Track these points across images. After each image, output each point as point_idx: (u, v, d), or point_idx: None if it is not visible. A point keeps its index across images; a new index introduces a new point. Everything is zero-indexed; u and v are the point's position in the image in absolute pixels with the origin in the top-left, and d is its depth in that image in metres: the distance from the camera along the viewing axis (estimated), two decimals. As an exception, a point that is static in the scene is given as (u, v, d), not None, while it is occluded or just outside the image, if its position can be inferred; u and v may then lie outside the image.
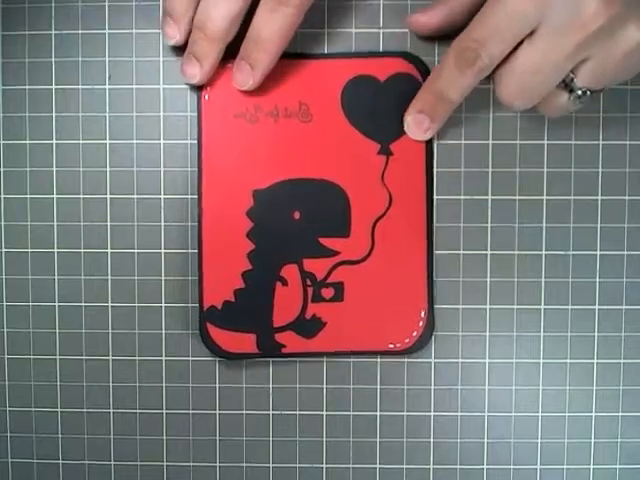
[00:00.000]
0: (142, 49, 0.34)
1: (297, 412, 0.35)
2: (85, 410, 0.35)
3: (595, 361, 0.35)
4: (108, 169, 0.34)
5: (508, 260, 0.34)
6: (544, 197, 0.34)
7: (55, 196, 0.35)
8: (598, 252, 0.34)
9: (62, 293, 0.35)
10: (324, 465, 0.35)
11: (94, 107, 0.34)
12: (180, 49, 0.33)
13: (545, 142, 0.34)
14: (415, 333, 0.34)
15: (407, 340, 0.34)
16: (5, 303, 0.35)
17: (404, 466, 0.35)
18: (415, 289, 0.34)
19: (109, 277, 0.35)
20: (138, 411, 0.35)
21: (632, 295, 0.34)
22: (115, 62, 0.34)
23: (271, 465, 0.35)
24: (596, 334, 0.34)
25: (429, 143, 0.33)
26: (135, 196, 0.34)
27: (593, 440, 0.35)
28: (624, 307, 0.34)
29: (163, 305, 0.35)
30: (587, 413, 0.35)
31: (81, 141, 0.34)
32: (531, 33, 0.27)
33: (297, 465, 0.35)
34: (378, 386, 0.35)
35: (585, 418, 0.35)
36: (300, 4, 0.30)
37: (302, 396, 0.35)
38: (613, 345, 0.34)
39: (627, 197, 0.34)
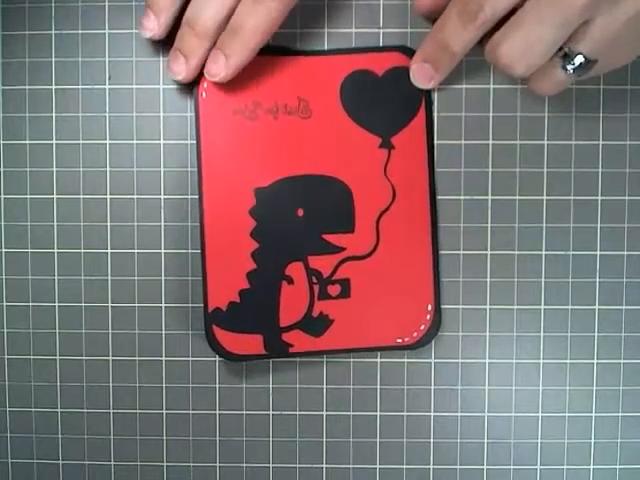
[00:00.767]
0: (142, 49, 0.34)
1: (297, 412, 0.35)
2: (85, 410, 0.35)
3: (595, 361, 0.35)
4: (108, 169, 0.34)
5: (508, 260, 0.34)
6: (544, 197, 0.34)
7: (55, 196, 0.35)
8: (598, 252, 0.34)
9: (62, 293, 0.35)
10: (324, 465, 0.35)
11: (94, 107, 0.34)
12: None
13: (545, 142, 0.34)
14: (423, 327, 0.34)
15: (415, 334, 0.34)
16: (5, 303, 0.35)
17: (404, 466, 0.35)
18: (421, 282, 0.34)
19: (109, 277, 0.35)
20: (138, 411, 0.35)
21: (632, 295, 0.34)
22: (115, 62, 0.34)
23: (271, 465, 0.35)
24: (596, 334, 0.34)
25: (430, 135, 0.33)
26: (135, 196, 0.34)
27: (593, 440, 0.35)
28: (624, 307, 0.34)
29: (163, 305, 0.35)
30: (587, 413, 0.35)
31: (81, 141, 0.34)
32: None
33: (297, 465, 0.35)
34: (378, 386, 0.35)
35: (585, 418, 0.35)
36: (285, 0, 0.29)
37: (302, 396, 0.35)
38: (613, 345, 0.34)
39: (627, 197, 0.34)
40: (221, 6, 0.30)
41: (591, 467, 0.35)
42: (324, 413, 0.35)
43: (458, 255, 0.34)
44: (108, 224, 0.35)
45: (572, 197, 0.34)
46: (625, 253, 0.34)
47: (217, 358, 0.35)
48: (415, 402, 0.35)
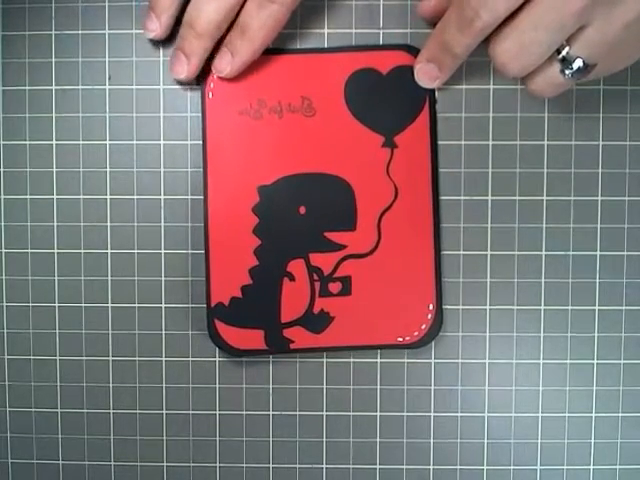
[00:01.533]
0: (142, 49, 0.34)
1: (297, 412, 0.35)
2: (85, 410, 0.35)
3: (595, 361, 0.35)
4: (108, 169, 0.35)
5: (508, 260, 0.34)
6: (544, 197, 0.34)
7: (55, 196, 0.35)
8: (598, 252, 0.34)
9: (62, 293, 0.35)
10: (324, 465, 0.35)
11: (94, 107, 0.34)
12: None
13: (545, 142, 0.34)
14: (424, 326, 0.34)
15: (416, 333, 0.34)
16: (5, 303, 0.35)
17: (404, 466, 0.35)
18: (423, 281, 0.34)
19: (109, 277, 0.35)
20: (138, 411, 0.35)
21: (632, 295, 0.34)
22: (115, 62, 0.34)
23: (271, 465, 0.35)
24: (596, 334, 0.34)
25: (434, 134, 0.33)
26: (135, 196, 0.34)
27: (593, 440, 0.35)
28: (624, 307, 0.34)
29: (163, 305, 0.35)
30: (587, 413, 0.35)
31: (81, 141, 0.34)
32: None
33: (297, 465, 0.35)
34: (378, 386, 0.35)
35: (585, 418, 0.35)
36: (287, 3, 0.30)
37: (302, 396, 0.35)
38: (613, 345, 0.34)
39: (627, 197, 0.34)
40: (221, 6, 0.30)
41: (591, 467, 0.35)
42: (324, 413, 0.35)
43: (458, 255, 0.34)
44: (108, 224, 0.35)
45: (572, 197, 0.34)
46: (625, 253, 0.34)
47: (217, 358, 0.35)
48: (415, 402, 0.35)
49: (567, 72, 0.29)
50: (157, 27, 0.32)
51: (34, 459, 0.35)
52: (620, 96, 0.34)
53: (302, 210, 0.33)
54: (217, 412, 0.35)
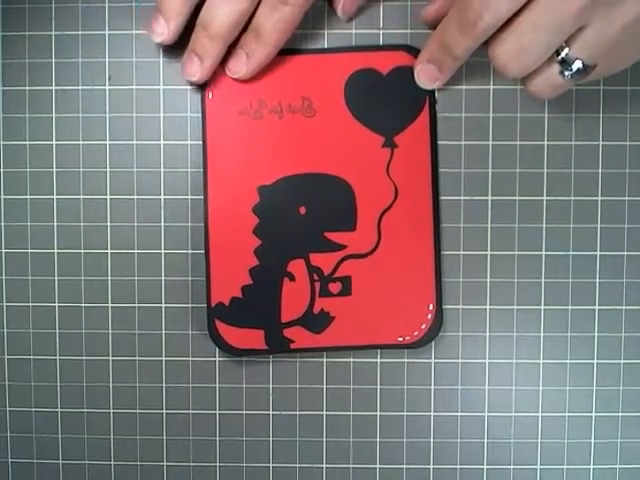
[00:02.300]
0: (142, 49, 0.34)
1: (297, 412, 0.35)
2: (85, 410, 0.35)
3: (595, 361, 0.35)
4: (108, 169, 0.35)
5: (508, 260, 0.34)
6: (544, 197, 0.34)
7: (55, 196, 0.35)
8: (598, 252, 0.34)
9: (62, 293, 0.35)
10: (324, 465, 0.35)
11: (94, 107, 0.34)
12: (184, 49, 0.33)
13: (545, 142, 0.34)
14: (424, 326, 0.34)
15: (416, 333, 0.34)
16: (5, 303, 0.35)
17: (404, 466, 0.35)
18: (423, 281, 0.34)
19: (109, 277, 0.35)
20: (138, 411, 0.35)
21: (632, 295, 0.34)
22: (115, 62, 0.34)
23: (271, 465, 0.35)
24: (596, 334, 0.34)
25: (434, 134, 0.33)
26: (135, 196, 0.34)
27: (593, 440, 0.35)
28: (624, 307, 0.34)
29: (163, 305, 0.35)
30: (587, 413, 0.35)
31: (81, 141, 0.34)
32: None
33: (297, 465, 0.35)
34: (378, 386, 0.35)
35: (585, 418, 0.35)
36: (300, 4, 0.30)
37: (302, 396, 0.35)
38: (613, 345, 0.34)
39: (627, 197, 0.34)
40: (234, 8, 0.30)
41: (591, 467, 0.35)
42: (324, 413, 0.35)
43: (458, 255, 0.34)
44: (108, 224, 0.35)
45: (572, 197, 0.34)
46: (625, 253, 0.34)
47: (217, 358, 0.35)
48: (415, 402, 0.35)
49: (566, 73, 0.29)
50: (165, 30, 0.31)
51: (34, 459, 0.36)
52: (620, 96, 0.34)
53: (302, 210, 0.33)
54: (217, 412, 0.35)
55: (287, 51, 0.33)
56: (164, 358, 0.35)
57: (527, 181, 0.34)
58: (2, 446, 0.35)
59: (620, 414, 0.35)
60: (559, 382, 0.35)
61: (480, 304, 0.34)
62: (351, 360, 0.35)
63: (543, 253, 0.34)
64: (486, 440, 0.35)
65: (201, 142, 0.33)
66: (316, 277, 0.33)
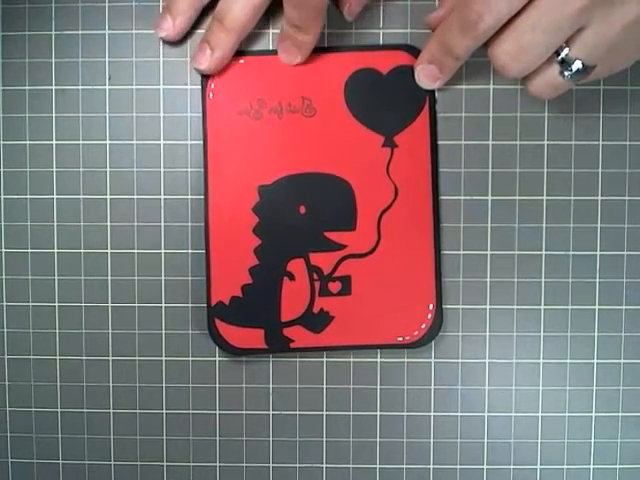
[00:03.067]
0: (142, 49, 0.34)
1: (297, 412, 0.35)
2: (85, 410, 0.35)
3: (595, 361, 0.35)
4: (108, 169, 0.35)
5: (508, 260, 0.34)
6: (544, 197, 0.34)
7: (55, 196, 0.35)
8: (598, 252, 0.34)
9: (62, 293, 0.35)
10: (324, 465, 0.35)
11: (94, 107, 0.34)
12: (184, 49, 0.33)
13: (545, 142, 0.34)
14: (424, 326, 0.34)
15: (416, 333, 0.34)
16: (5, 303, 0.35)
17: (404, 466, 0.35)
18: (423, 281, 0.34)
19: (109, 277, 0.35)
20: (138, 411, 0.35)
21: (632, 295, 0.34)
22: (115, 62, 0.34)
23: (271, 465, 0.35)
24: (596, 334, 0.34)
25: (434, 134, 0.33)
26: (135, 196, 0.34)
27: (593, 440, 0.35)
28: (624, 307, 0.34)
29: (163, 305, 0.35)
30: (587, 413, 0.35)
31: (81, 141, 0.34)
32: None
33: (297, 465, 0.35)
34: (378, 386, 0.35)
35: (585, 418, 0.35)
36: None
37: (302, 396, 0.35)
38: (613, 345, 0.34)
39: (627, 197, 0.34)
40: (249, 2, 0.31)
41: (591, 467, 0.35)
42: (324, 413, 0.35)
43: (458, 255, 0.34)
44: (108, 224, 0.35)
45: (572, 197, 0.34)
46: (625, 253, 0.34)
47: (217, 358, 0.35)
48: (415, 402, 0.35)
49: (566, 74, 0.29)
50: (170, 27, 0.32)
51: (34, 459, 0.35)
52: (620, 96, 0.34)
53: (302, 210, 0.33)
54: (217, 412, 0.35)
55: None
56: (164, 358, 0.35)
57: (527, 181, 0.34)
58: (2, 446, 0.35)
59: (620, 414, 0.35)
60: (559, 382, 0.35)
61: (480, 304, 0.34)
62: (351, 360, 0.35)
63: (543, 253, 0.34)
64: (486, 440, 0.35)
65: (201, 142, 0.33)
66: (316, 277, 0.33)
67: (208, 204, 0.33)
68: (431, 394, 0.35)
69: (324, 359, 0.35)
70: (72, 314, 0.35)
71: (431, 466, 0.35)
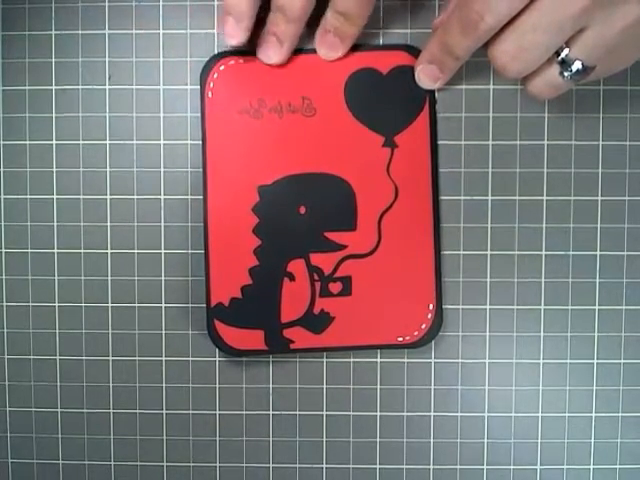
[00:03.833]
0: (142, 49, 0.34)
1: (297, 412, 0.35)
2: (85, 410, 0.35)
3: (595, 361, 0.35)
4: (108, 169, 0.35)
5: (508, 260, 0.34)
6: (544, 197, 0.34)
7: (55, 196, 0.35)
8: (598, 252, 0.34)
9: (62, 293, 0.35)
10: (324, 465, 0.35)
11: (94, 107, 0.34)
12: (184, 49, 0.33)
13: (545, 142, 0.34)
14: (424, 326, 0.34)
15: (416, 333, 0.34)
16: (5, 303, 0.35)
17: (404, 466, 0.35)
18: (423, 281, 0.34)
19: (109, 277, 0.35)
20: (138, 411, 0.35)
21: (632, 295, 0.34)
22: (115, 62, 0.34)
23: (271, 465, 0.35)
24: (596, 334, 0.34)
25: (434, 134, 0.33)
26: (135, 196, 0.34)
27: (593, 440, 0.35)
28: (624, 307, 0.34)
29: (163, 305, 0.35)
30: (587, 413, 0.35)
31: (81, 141, 0.34)
32: None
33: (297, 465, 0.35)
34: (378, 386, 0.35)
35: (585, 418, 0.35)
36: None
37: (302, 396, 0.35)
38: (613, 345, 0.34)
39: (627, 197, 0.34)
40: None
41: (591, 467, 0.35)
42: (324, 413, 0.35)
43: (458, 255, 0.34)
44: (108, 224, 0.35)
45: (572, 197, 0.34)
46: (625, 253, 0.34)
47: (217, 358, 0.35)
48: (415, 402, 0.35)
49: (566, 74, 0.29)
50: (238, 32, 0.31)
51: (34, 459, 0.35)
52: (620, 96, 0.34)
53: (302, 210, 0.33)
54: (217, 412, 0.35)
55: None
56: (164, 358, 0.35)
57: (527, 181, 0.34)
58: (2, 446, 0.35)
59: (620, 414, 0.35)
60: (559, 382, 0.35)
61: (480, 304, 0.34)
62: (351, 360, 0.35)
63: (543, 253, 0.34)
64: (486, 440, 0.35)
65: (200, 142, 0.33)
66: (316, 277, 0.33)
67: (207, 204, 0.33)
68: (431, 394, 0.35)
69: (324, 359, 0.35)
70: (72, 314, 0.35)
71: (431, 466, 0.35)
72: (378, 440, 0.35)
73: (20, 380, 0.35)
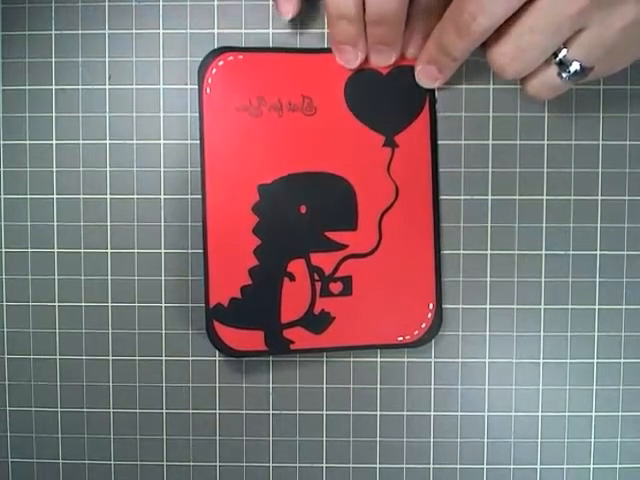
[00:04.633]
0: (142, 49, 0.34)
1: (297, 412, 0.35)
2: (85, 410, 0.35)
3: (595, 361, 0.35)
4: (108, 169, 0.35)
5: (508, 260, 0.34)
6: (544, 197, 0.34)
7: (55, 196, 0.35)
8: (598, 252, 0.34)
9: (62, 293, 0.35)
10: (324, 465, 0.35)
11: (94, 107, 0.34)
12: (184, 49, 0.33)
13: (545, 142, 0.34)
14: (424, 325, 0.34)
15: (416, 332, 0.34)
16: (5, 303, 0.35)
17: (404, 466, 0.35)
18: (423, 281, 0.34)
19: (109, 277, 0.35)
20: (138, 411, 0.35)
21: (632, 295, 0.34)
22: (115, 62, 0.34)
23: (271, 465, 0.35)
24: (596, 334, 0.34)
25: (434, 134, 0.33)
26: (135, 196, 0.34)
27: (593, 440, 0.35)
28: (624, 307, 0.34)
29: (163, 305, 0.35)
30: (587, 413, 0.35)
31: (81, 141, 0.34)
32: None
33: (297, 465, 0.35)
34: (378, 386, 0.35)
35: (585, 418, 0.35)
36: None
37: (302, 396, 0.35)
38: (613, 345, 0.34)
39: (627, 197, 0.34)
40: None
41: (591, 467, 0.35)
42: (324, 413, 0.35)
43: (458, 255, 0.34)
44: (108, 224, 0.35)
45: (572, 197, 0.34)
46: (625, 253, 0.34)
47: (217, 358, 0.35)
48: (415, 402, 0.35)
49: (564, 75, 0.29)
50: (290, 7, 0.32)
51: (34, 459, 0.35)
52: (620, 96, 0.34)
53: (303, 209, 0.33)
54: (217, 412, 0.35)
55: (287, 50, 0.33)
56: (164, 358, 0.35)
57: (527, 181, 0.34)
58: (2, 446, 0.35)
59: (620, 414, 0.35)
60: (559, 382, 0.35)
61: (480, 304, 0.34)
62: (351, 360, 0.35)
63: (543, 253, 0.34)
64: (486, 440, 0.35)
65: (198, 140, 0.33)
66: (317, 277, 0.33)
67: (206, 203, 0.33)
68: (431, 394, 0.35)
69: (324, 359, 0.35)
70: (72, 314, 0.35)
71: (431, 466, 0.35)
72: (378, 440, 0.35)
73: (20, 380, 0.35)
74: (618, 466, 0.35)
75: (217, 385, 0.35)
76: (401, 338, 0.34)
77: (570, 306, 0.34)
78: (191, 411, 0.35)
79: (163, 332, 0.35)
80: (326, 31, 0.34)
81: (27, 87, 0.34)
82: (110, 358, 0.35)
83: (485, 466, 0.35)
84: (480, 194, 0.34)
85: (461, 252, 0.34)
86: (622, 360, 0.34)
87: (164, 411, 0.35)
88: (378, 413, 0.35)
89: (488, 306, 0.34)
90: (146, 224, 0.34)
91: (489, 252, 0.34)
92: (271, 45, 0.34)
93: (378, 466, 0.35)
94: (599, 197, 0.34)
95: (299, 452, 0.35)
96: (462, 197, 0.34)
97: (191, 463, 0.35)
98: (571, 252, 0.34)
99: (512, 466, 0.35)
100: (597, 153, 0.34)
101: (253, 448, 0.35)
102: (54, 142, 0.34)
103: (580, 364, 0.35)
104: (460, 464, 0.35)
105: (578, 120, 0.34)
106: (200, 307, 0.34)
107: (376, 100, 0.33)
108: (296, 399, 0.35)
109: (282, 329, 0.33)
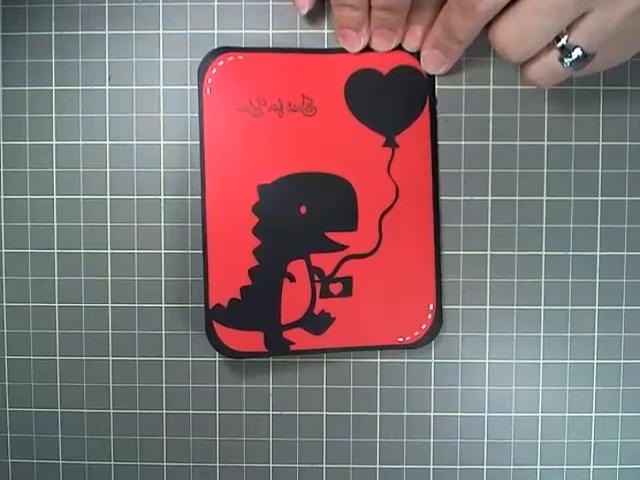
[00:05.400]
0: (142, 49, 0.34)
1: (297, 412, 0.35)
2: (85, 410, 0.35)
3: (595, 361, 0.35)
4: (108, 169, 0.35)
5: (508, 260, 0.34)
6: (544, 197, 0.34)
7: (55, 196, 0.35)
8: (598, 252, 0.34)
9: (62, 293, 0.35)
10: (324, 465, 0.35)
11: (94, 107, 0.34)
12: (184, 50, 0.33)
13: (545, 142, 0.34)
14: (424, 326, 0.34)
15: (416, 333, 0.34)
16: (5, 303, 0.35)
17: (404, 466, 0.35)
18: (423, 281, 0.34)
19: (109, 277, 0.35)
20: (138, 411, 0.35)
21: (632, 295, 0.34)
22: (115, 62, 0.34)
23: (271, 465, 0.35)
24: (596, 334, 0.34)
25: (434, 134, 0.33)
26: (135, 196, 0.34)
27: (593, 440, 0.35)
28: (624, 307, 0.34)
29: (163, 305, 0.35)
30: (587, 413, 0.35)
31: (81, 141, 0.34)
32: None
33: (297, 465, 0.35)
34: (378, 386, 0.35)
35: (585, 418, 0.35)
36: None
37: (302, 396, 0.35)
38: (613, 345, 0.34)
39: (627, 197, 0.34)
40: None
41: (591, 467, 0.35)
42: (324, 413, 0.35)
43: (458, 255, 0.34)
44: (108, 224, 0.35)
45: (572, 197, 0.34)
46: (625, 253, 0.34)
47: (217, 358, 0.35)
48: (415, 402, 0.35)
49: (566, 61, 0.29)
50: (307, 3, 0.32)
51: (34, 459, 0.36)
52: (620, 96, 0.34)
53: (303, 210, 0.33)
54: (217, 412, 0.35)
55: (287, 50, 0.33)
56: (164, 358, 0.35)
57: (527, 181, 0.34)
58: (2, 446, 0.35)
59: (620, 414, 0.35)
60: (559, 382, 0.35)
61: (480, 304, 0.34)
62: (351, 360, 0.35)
63: (543, 253, 0.34)
64: (486, 440, 0.35)
65: (198, 140, 0.33)
66: (317, 278, 0.33)
67: (205, 203, 0.33)
68: (431, 394, 0.35)
69: (324, 359, 0.35)
70: (72, 314, 0.35)
71: (431, 466, 0.35)
72: (378, 440, 0.35)
73: (20, 380, 0.35)
74: (618, 467, 0.35)
75: (217, 386, 0.35)
76: (401, 339, 0.34)
77: (570, 307, 0.34)
78: (191, 412, 0.35)
79: (163, 333, 0.35)
80: (326, 31, 0.34)
81: (27, 87, 0.34)
82: (110, 358, 0.35)
83: (485, 467, 0.35)
84: (480, 195, 0.34)
85: (461, 253, 0.34)
86: (622, 361, 0.34)
87: (164, 412, 0.35)
88: (378, 414, 0.35)
89: (488, 307, 0.34)
90: (146, 224, 0.34)
91: (489, 253, 0.34)
92: (271, 45, 0.34)
93: (378, 467, 0.35)
94: (599, 197, 0.34)
95: (299, 453, 0.35)
96: (462, 197, 0.34)
97: (191, 464, 0.35)
98: (571, 253, 0.34)
99: (512, 467, 0.35)
100: (597, 153, 0.34)
101: (253, 449, 0.35)
102: (54, 142, 0.34)
103: (580, 365, 0.35)
104: (460, 465, 0.35)
105: (578, 120, 0.34)
106: (200, 308, 0.34)
107: (376, 100, 0.33)
108: (296, 400, 0.35)
109: (282, 330, 0.33)
